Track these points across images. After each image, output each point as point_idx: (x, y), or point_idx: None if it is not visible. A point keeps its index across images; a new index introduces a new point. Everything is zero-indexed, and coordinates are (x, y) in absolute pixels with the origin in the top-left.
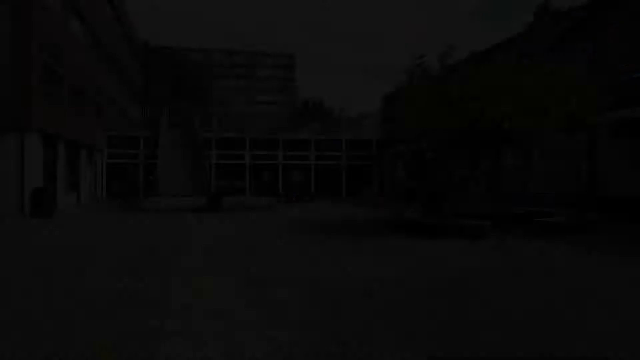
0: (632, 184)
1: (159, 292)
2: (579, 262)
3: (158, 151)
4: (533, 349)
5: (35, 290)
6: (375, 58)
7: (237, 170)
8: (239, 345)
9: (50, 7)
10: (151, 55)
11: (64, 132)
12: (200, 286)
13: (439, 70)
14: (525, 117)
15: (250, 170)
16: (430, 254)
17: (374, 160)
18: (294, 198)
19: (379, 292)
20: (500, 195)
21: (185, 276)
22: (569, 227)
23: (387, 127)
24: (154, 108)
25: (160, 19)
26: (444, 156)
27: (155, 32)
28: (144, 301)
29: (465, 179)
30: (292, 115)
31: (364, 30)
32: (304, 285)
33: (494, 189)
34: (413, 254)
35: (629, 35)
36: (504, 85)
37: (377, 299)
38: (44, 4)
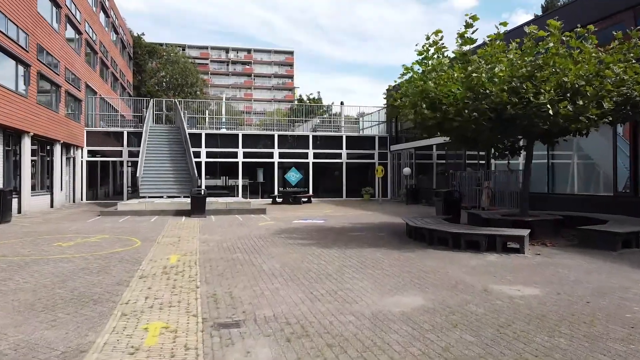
0: None
1: None
2: None
3: (140, 148)
4: None
5: None
6: (374, 57)
7: (229, 169)
8: None
9: None
10: (141, 50)
11: (29, 126)
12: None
13: (461, 45)
14: (574, 101)
15: (244, 169)
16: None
17: (378, 158)
18: (291, 199)
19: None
20: (526, 197)
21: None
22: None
23: (391, 123)
24: (144, 103)
25: (156, 16)
26: (457, 154)
27: (151, 28)
28: None
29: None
30: (290, 112)
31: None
32: None
33: (524, 190)
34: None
35: None
36: (551, 63)
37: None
38: None
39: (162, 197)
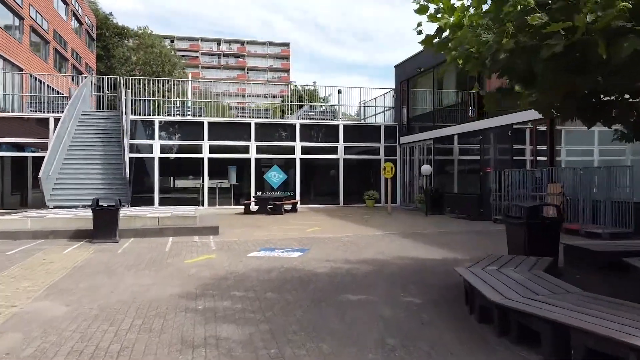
0: None
1: None
2: None
3: (51, 139)
4: None
5: None
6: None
7: (191, 167)
8: None
9: None
10: (110, 32)
11: None
12: None
13: None
14: None
15: (211, 167)
16: None
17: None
18: (269, 207)
19: None
20: None
21: None
22: None
23: (401, 109)
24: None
25: (153, 16)
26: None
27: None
28: None
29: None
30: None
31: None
32: None
33: None
34: None
35: None
36: None
37: None
38: None
39: (78, 206)
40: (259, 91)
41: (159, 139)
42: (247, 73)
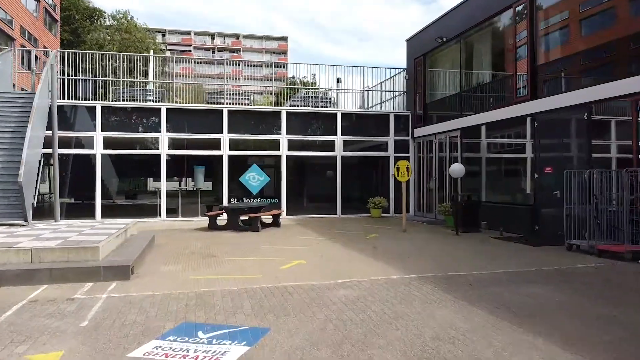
0: None
1: None
2: None
3: None
4: None
5: None
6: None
7: (147, 167)
8: None
9: None
10: (80, 15)
11: None
12: None
13: None
14: None
15: (171, 167)
16: None
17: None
18: (241, 221)
19: None
20: None
21: None
22: None
23: (416, 94)
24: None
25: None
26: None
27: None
28: None
29: None
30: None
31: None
32: None
33: None
34: None
35: None
36: None
37: None
38: None
39: None
40: (255, 88)
41: (102, 130)
42: (243, 68)
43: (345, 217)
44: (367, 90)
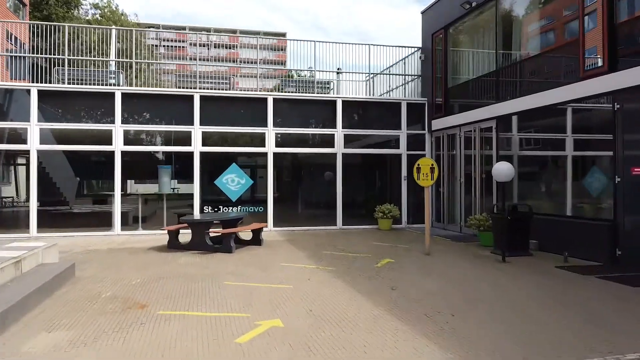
0: None
1: None
2: None
3: None
4: None
5: None
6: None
7: (99, 167)
8: None
9: None
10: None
11: None
12: None
13: None
14: None
15: (128, 166)
16: None
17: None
18: (209, 239)
19: None
20: None
21: None
22: None
23: (437, 76)
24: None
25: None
26: None
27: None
28: None
29: None
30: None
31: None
32: None
33: None
34: None
35: None
36: None
37: None
38: None
39: None
40: (251, 84)
41: (39, 121)
42: (240, 65)
43: (347, 229)
44: (374, 74)
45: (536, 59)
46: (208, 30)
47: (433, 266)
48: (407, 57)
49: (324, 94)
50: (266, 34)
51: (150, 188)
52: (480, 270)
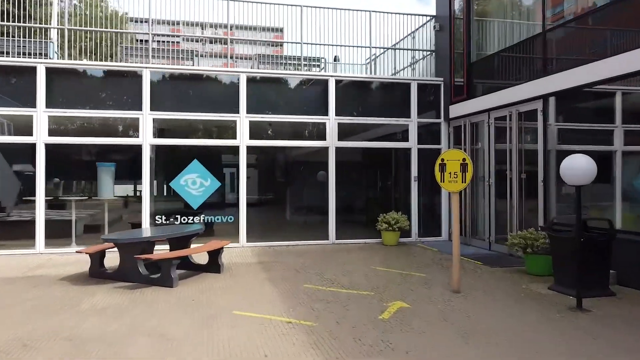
0: None
1: None
2: None
3: None
4: None
5: None
6: None
7: (18, 164)
8: None
9: None
10: None
11: None
12: None
13: None
14: None
15: (54, 164)
16: None
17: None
18: (143, 267)
19: None
20: None
21: None
22: None
23: (456, 52)
24: None
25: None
26: None
27: None
28: None
29: None
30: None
31: None
32: None
33: None
34: None
35: None
36: None
37: None
38: None
39: None
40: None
41: None
42: (235, 62)
43: (343, 245)
44: (376, 50)
45: (607, 10)
46: (202, 25)
47: (472, 318)
48: (418, 29)
49: (315, 65)
50: (262, 29)
51: (90, 191)
52: (548, 326)
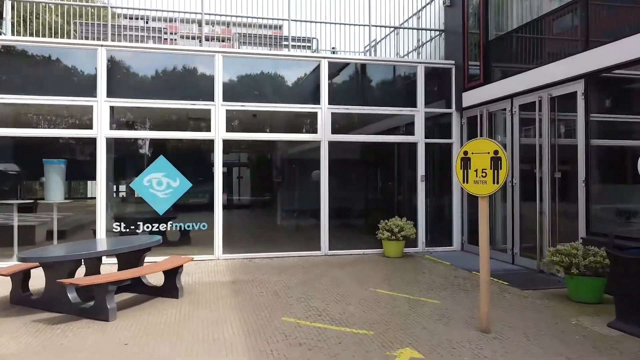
0: None
1: None
2: None
3: None
4: None
5: None
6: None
7: None
8: None
9: None
10: None
11: None
12: None
13: None
14: None
15: None
16: None
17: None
18: (69, 298)
19: None
20: None
21: None
22: None
23: (470, 33)
24: None
25: None
26: None
27: None
28: None
29: None
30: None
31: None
32: None
33: None
34: None
35: None
36: None
37: None
38: None
39: None
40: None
41: None
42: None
43: (337, 257)
44: (378, 30)
45: None
46: (199, 22)
47: None
48: (426, 6)
49: (303, 44)
50: (261, 27)
51: (38, 193)
52: None
